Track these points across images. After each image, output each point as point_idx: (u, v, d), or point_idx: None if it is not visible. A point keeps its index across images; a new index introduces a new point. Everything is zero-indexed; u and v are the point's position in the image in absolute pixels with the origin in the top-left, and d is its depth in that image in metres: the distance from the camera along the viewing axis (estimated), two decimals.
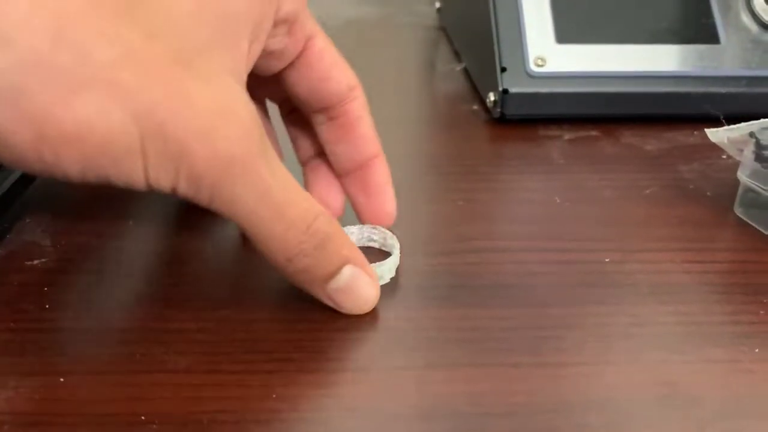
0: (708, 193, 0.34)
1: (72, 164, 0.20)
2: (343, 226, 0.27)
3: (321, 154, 0.30)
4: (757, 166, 0.30)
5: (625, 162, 0.37)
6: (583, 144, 0.39)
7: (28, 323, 0.25)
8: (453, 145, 0.40)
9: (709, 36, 0.41)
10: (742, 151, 0.31)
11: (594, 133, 0.40)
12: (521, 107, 0.40)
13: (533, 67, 0.40)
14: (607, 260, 0.29)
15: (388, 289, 0.26)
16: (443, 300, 0.26)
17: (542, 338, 0.24)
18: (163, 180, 0.21)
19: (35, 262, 0.28)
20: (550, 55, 0.40)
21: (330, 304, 0.24)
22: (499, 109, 0.40)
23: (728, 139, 0.31)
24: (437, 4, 0.59)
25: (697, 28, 0.41)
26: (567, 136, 0.40)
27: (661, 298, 0.27)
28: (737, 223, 0.32)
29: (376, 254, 0.28)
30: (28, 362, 0.23)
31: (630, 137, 0.40)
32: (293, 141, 0.31)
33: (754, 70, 0.41)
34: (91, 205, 0.32)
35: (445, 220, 0.32)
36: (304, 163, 0.31)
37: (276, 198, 0.22)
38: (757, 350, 0.24)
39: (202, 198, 0.21)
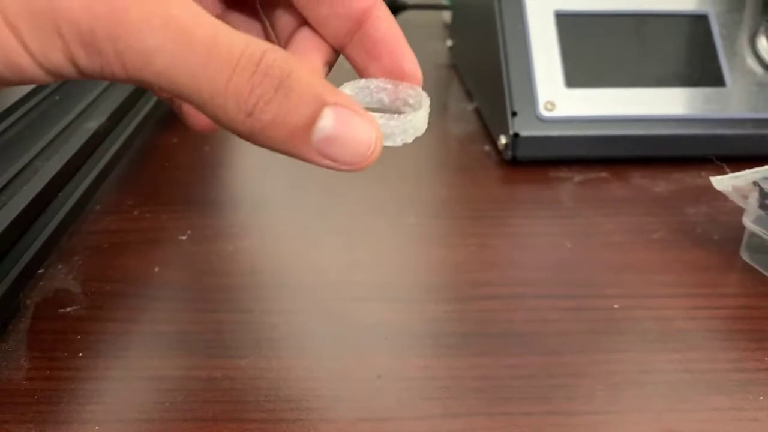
0: (715, 237, 0.35)
1: None
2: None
3: (303, 26, 0.25)
4: (762, 213, 0.31)
5: (634, 204, 0.38)
6: (593, 186, 0.40)
7: (63, 371, 0.26)
8: (465, 187, 0.41)
9: (715, 79, 0.42)
10: (746, 198, 0.32)
11: (604, 174, 0.41)
12: (532, 150, 0.41)
13: (543, 112, 0.41)
14: (616, 306, 0.30)
15: (403, 338, 0.27)
16: (457, 348, 0.27)
17: (553, 387, 0.25)
18: (52, 54, 0.17)
19: (68, 309, 0.29)
20: (560, 99, 0.41)
21: (325, 164, 0.19)
22: (510, 152, 0.41)
23: (732, 187, 0.32)
24: (449, 42, 0.61)
25: (703, 71, 0.43)
26: (577, 178, 0.41)
27: (668, 346, 0.28)
28: (743, 267, 0.33)
29: None
30: (64, 410, 0.24)
31: (639, 178, 0.41)
32: (271, 25, 0.26)
33: (759, 113, 0.42)
34: (119, 251, 0.33)
35: (458, 266, 0.33)
36: (286, 46, 0.25)
37: (201, 37, 0.17)
38: (761, 398, 0.25)
39: (115, 67, 0.17)
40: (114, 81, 0.18)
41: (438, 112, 0.52)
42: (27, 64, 0.17)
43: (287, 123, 0.18)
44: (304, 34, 0.24)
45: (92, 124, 0.34)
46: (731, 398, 0.25)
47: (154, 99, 0.42)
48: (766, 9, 0.44)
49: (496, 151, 0.44)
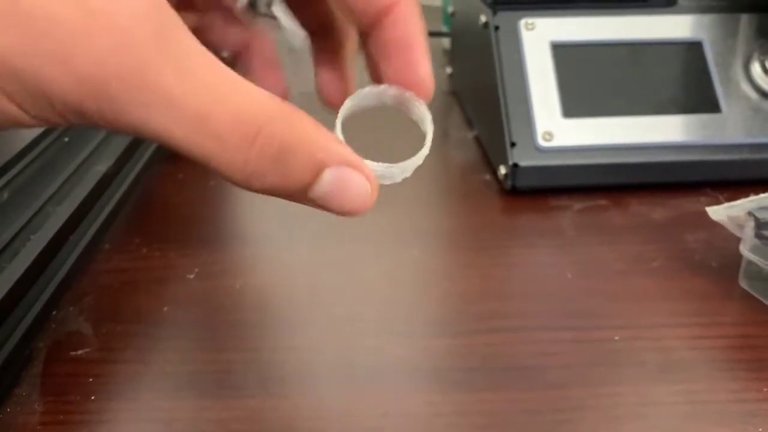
0: (713, 264, 0.36)
1: None
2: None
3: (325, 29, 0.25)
4: (758, 242, 0.32)
5: (633, 232, 0.39)
6: (592, 214, 0.41)
7: (76, 415, 0.26)
8: (467, 218, 0.41)
9: (711, 105, 0.43)
10: (742, 227, 0.33)
11: (603, 202, 0.42)
12: (531, 180, 0.42)
13: (541, 142, 0.42)
14: (616, 338, 0.30)
15: (408, 374, 0.28)
16: (461, 384, 0.28)
17: (557, 422, 0.26)
18: (47, 113, 0.18)
19: (79, 352, 0.30)
20: (557, 129, 0.42)
21: (323, 210, 0.20)
22: (510, 182, 0.42)
23: (728, 217, 0.33)
24: (448, 70, 0.62)
25: (699, 98, 0.43)
26: (577, 206, 0.42)
27: (669, 377, 0.28)
28: (742, 295, 0.33)
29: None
30: None
31: (637, 206, 0.42)
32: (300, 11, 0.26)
33: (755, 138, 0.43)
34: (129, 291, 0.34)
35: (461, 298, 0.34)
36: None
37: (189, 109, 0.17)
38: (760, 429, 0.25)
39: (114, 124, 0.18)
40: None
41: (439, 139, 0.53)
42: (21, 118, 0.18)
43: (285, 188, 0.19)
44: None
45: (101, 167, 0.34)
46: (732, 429, 0.26)
47: None
48: (759, 35, 0.45)
49: (496, 181, 0.45)
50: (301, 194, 0.19)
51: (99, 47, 0.17)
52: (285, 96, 0.24)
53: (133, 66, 0.17)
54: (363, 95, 0.22)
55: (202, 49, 0.18)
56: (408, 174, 0.22)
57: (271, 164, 0.18)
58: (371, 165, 0.20)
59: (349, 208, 0.20)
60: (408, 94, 0.22)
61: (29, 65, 0.17)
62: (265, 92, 0.18)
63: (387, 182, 0.21)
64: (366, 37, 0.23)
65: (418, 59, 0.22)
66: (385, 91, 0.22)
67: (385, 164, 0.21)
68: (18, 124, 0.18)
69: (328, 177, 0.19)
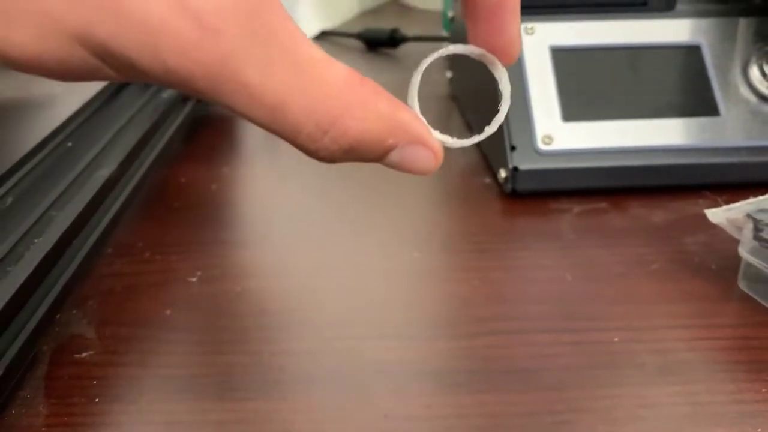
0: (713, 266, 0.36)
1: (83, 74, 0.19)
2: None
3: None
4: (756, 244, 0.32)
5: (632, 235, 0.39)
6: (592, 217, 0.41)
7: (80, 417, 0.27)
8: (467, 221, 0.42)
9: (709, 108, 0.43)
10: (741, 229, 0.33)
11: (602, 205, 0.42)
12: (531, 183, 0.42)
13: (541, 146, 0.42)
14: (616, 340, 0.30)
15: (407, 376, 0.28)
16: (460, 386, 0.28)
17: (556, 423, 0.26)
18: (146, 80, 0.19)
19: (83, 355, 0.30)
20: (557, 132, 0.42)
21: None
22: (510, 185, 0.42)
23: (727, 219, 0.33)
24: (448, 74, 0.62)
25: (697, 101, 0.44)
26: (576, 209, 0.42)
27: (668, 378, 0.28)
28: (741, 297, 0.33)
29: None
30: None
31: (637, 208, 0.42)
32: None
33: (754, 141, 0.43)
34: (131, 294, 0.34)
35: (461, 301, 0.34)
36: None
37: (267, 100, 0.18)
38: (759, 430, 0.26)
39: (209, 100, 0.19)
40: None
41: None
42: (121, 78, 0.19)
43: (356, 158, 0.20)
44: None
45: (103, 172, 0.35)
46: (731, 431, 0.26)
47: (163, 141, 0.44)
48: (757, 39, 0.45)
49: (496, 184, 0.45)
50: (372, 161, 0.21)
51: (184, 42, 0.18)
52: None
53: (216, 60, 0.18)
54: (449, 50, 0.22)
55: (291, 31, 0.19)
56: (473, 143, 0.23)
57: (343, 153, 0.20)
58: (440, 138, 0.22)
59: (415, 172, 0.21)
60: (491, 57, 0.22)
61: (128, 52, 0.18)
62: (344, 72, 0.19)
63: (455, 146, 0.23)
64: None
65: (504, 25, 0.22)
66: (472, 50, 0.23)
67: (453, 139, 0.22)
68: (118, 80, 0.19)
69: (395, 155, 0.20)
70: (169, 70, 0.18)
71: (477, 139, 0.23)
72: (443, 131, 0.22)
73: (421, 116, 0.21)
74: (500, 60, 0.23)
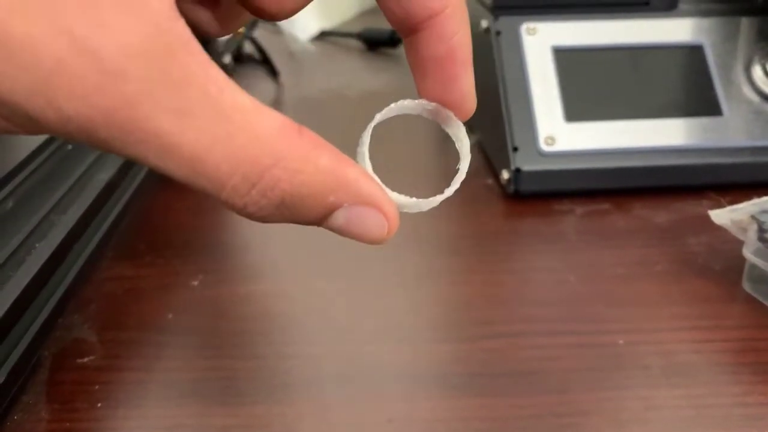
0: (716, 267, 0.36)
1: None
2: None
3: None
4: (761, 245, 0.32)
5: (636, 236, 0.39)
6: (595, 218, 0.41)
7: (83, 422, 0.27)
8: (470, 223, 0.42)
9: (712, 109, 0.43)
10: (745, 230, 0.33)
11: (605, 206, 0.42)
12: (534, 184, 0.42)
13: (543, 147, 0.42)
14: (620, 342, 0.30)
15: (411, 380, 0.28)
16: (464, 389, 0.28)
17: (561, 426, 0.26)
18: (42, 131, 0.16)
19: (85, 359, 0.30)
20: (560, 133, 0.42)
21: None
22: (512, 186, 0.42)
23: (731, 220, 0.33)
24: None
25: (700, 101, 0.43)
26: (579, 210, 0.42)
27: (673, 381, 0.28)
28: (745, 298, 0.33)
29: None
30: None
31: (640, 209, 0.42)
32: None
33: (757, 141, 0.43)
34: (133, 298, 0.34)
35: (464, 304, 0.34)
36: None
37: (185, 151, 0.16)
38: None
39: (114, 152, 0.17)
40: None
41: (440, 144, 0.53)
42: (17, 132, 0.17)
43: (295, 220, 0.18)
44: None
45: (104, 175, 0.35)
46: None
47: None
48: (759, 38, 0.45)
49: (498, 185, 0.45)
50: (312, 224, 0.18)
51: (83, 86, 0.15)
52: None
53: (121, 105, 0.15)
54: (399, 107, 0.21)
55: (213, 76, 0.16)
56: (435, 205, 0.21)
57: (275, 209, 0.17)
58: (394, 197, 0.20)
59: (364, 240, 0.19)
60: (446, 113, 0.21)
61: (16, 98, 0.15)
62: (278, 122, 0.17)
63: (413, 211, 0.21)
64: (407, 43, 0.21)
65: (459, 77, 0.20)
66: (423, 106, 0.21)
67: (412, 199, 0.20)
68: (11, 133, 0.17)
69: (339, 217, 0.18)
70: (66, 118, 0.15)
71: (439, 198, 0.21)
72: (444, 133, 0.21)
73: (374, 175, 0.19)
74: (456, 115, 0.21)
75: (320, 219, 0.18)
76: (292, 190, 0.17)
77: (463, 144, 0.21)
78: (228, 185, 0.16)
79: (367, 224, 0.18)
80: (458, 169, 0.21)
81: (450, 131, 0.21)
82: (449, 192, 0.21)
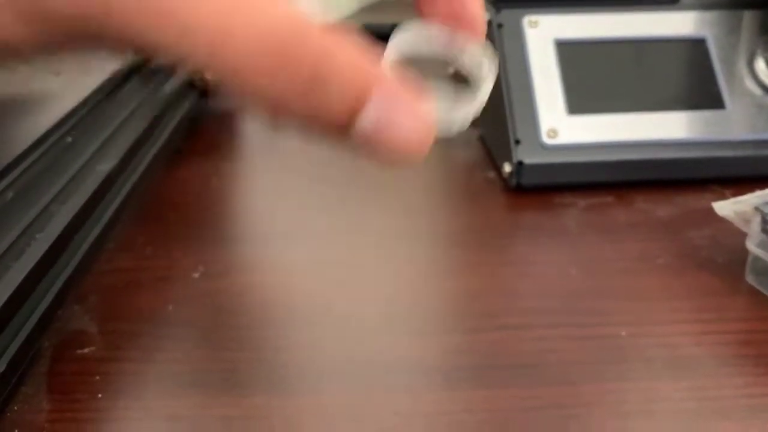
0: (719, 260, 0.35)
1: None
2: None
3: None
4: (765, 237, 0.32)
5: (638, 229, 0.39)
6: (597, 211, 0.41)
7: (83, 413, 0.26)
8: (472, 215, 0.41)
9: (715, 102, 0.43)
10: (749, 222, 0.33)
11: (608, 199, 0.42)
12: (536, 177, 0.42)
13: (546, 139, 0.41)
14: (623, 334, 0.30)
15: (415, 372, 0.28)
16: (468, 381, 0.28)
17: (564, 417, 0.26)
18: (44, 28, 0.15)
19: (86, 350, 0.30)
20: (562, 126, 0.42)
21: (362, 154, 0.17)
22: (515, 179, 0.42)
23: (734, 212, 0.33)
24: (451, 70, 0.61)
25: (703, 94, 0.43)
26: (582, 203, 0.41)
27: (676, 373, 0.28)
28: (749, 291, 0.33)
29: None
30: None
31: (642, 203, 0.41)
32: None
33: (759, 134, 0.42)
34: (133, 289, 0.34)
35: (467, 296, 0.33)
36: None
37: (209, 28, 0.15)
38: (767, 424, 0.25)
39: (118, 45, 0.15)
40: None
41: (443, 139, 0.53)
42: (13, 38, 0.15)
43: (319, 121, 0.16)
44: None
45: (104, 167, 0.34)
46: (739, 425, 0.25)
47: (164, 136, 0.43)
48: (762, 31, 0.45)
49: (500, 178, 0.45)
50: (339, 130, 0.16)
51: None
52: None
53: None
54: (409, 38, 0.19)
55: None
56: (466, 125, 0.19)
57: (302, 94, 0.15)
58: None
59: (400, 148, 0.16)
60: (461, 37, 0.19)
61: None
62: (315, 22, 0.15)
63: (440, 132, 0.18)
64: None
65: None
66: (435, 36, 0.19)
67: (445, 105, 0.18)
68: (8, 47, 0.15)
69: (373, 109, 0.15)
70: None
71: (467, 108, 0.19)
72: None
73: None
74: (471, 29, 0.19)
75: (351, 110, 0.15)
76: (320, 66, 0.15)
77: (484, 64, 0.19)
78: (252, 63, 0.15)
79: (404, 123, 0.16)
80: (480, 87, 0.19)
81: (467, 59, 0.20)
82: (482, 97, 0.19)
